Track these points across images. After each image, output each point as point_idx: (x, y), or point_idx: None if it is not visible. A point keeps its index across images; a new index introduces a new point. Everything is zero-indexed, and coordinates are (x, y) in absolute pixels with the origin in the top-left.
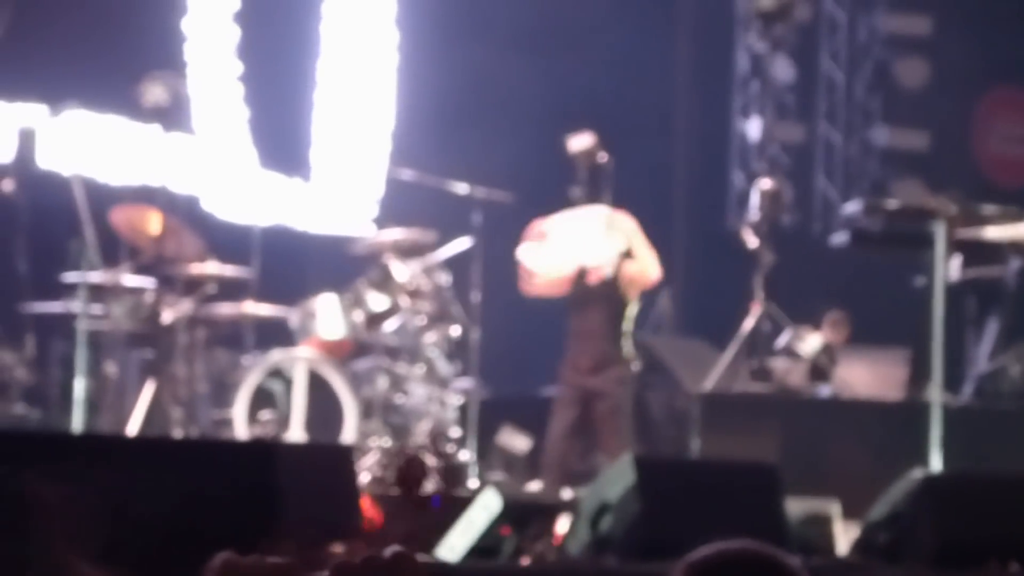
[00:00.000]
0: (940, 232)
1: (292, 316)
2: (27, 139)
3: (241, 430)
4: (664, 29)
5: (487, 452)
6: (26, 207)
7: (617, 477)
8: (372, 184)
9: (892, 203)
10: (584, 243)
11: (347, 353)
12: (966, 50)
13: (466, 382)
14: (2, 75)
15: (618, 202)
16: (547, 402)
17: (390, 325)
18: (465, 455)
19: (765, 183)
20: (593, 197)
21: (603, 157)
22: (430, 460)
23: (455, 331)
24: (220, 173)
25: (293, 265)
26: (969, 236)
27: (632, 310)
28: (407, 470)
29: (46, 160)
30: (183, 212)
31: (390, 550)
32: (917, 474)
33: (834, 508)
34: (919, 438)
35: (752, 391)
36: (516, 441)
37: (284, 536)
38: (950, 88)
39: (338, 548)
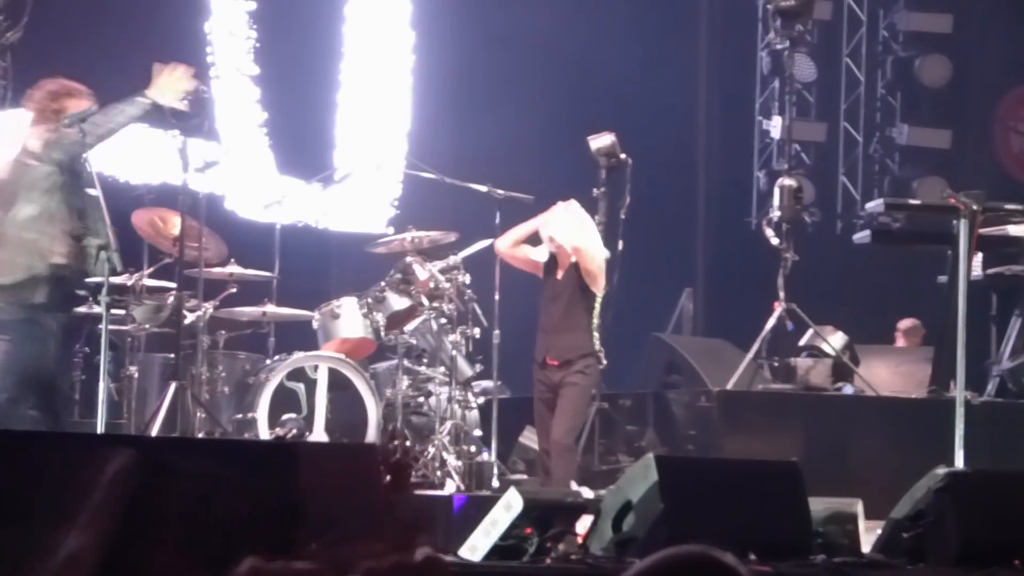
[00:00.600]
0: (962, 230)
1: (314, 318)
2: None
3: (263, 431)
4: (686, 29)
5: (509, 452)
6: None
7: (639, 476)
8: (391, 185)
9: (914, 201)
10: (550, 218)
11: (369, 354)
12: (987, 48)
13: (487, 382)
14: (23, 82)
15: (640, 201)
16: None
17: (411, 326)
18: (487, 455)
19: (787, 181)
20: (614, 196)
21: (623, 156)
22: (451, 460)
23: (476, 332)
24: (241, 175)
25: (314, 267)
26: (991, 233)
27: (599, 305)
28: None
29: None
30: (204, 214)
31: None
32: (941, 472)
33: (857, 506)
34: (942, 436)
35: (774, 390)
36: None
37: (307, 537)
38: (971, 86)
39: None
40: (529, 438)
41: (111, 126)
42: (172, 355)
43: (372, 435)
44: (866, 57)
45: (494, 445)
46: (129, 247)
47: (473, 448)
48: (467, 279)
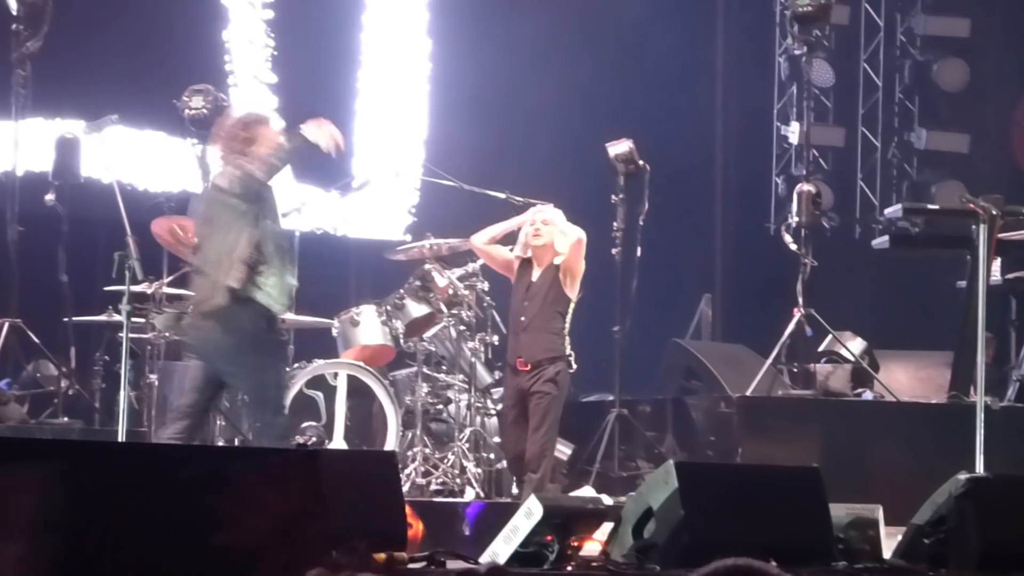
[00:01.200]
0: (981, 234)
1: (333, 325)
2: (68, 148)
3: None
4: (704, 34)
5: None
6: (67, 219)
7: (660, 483)
8: (409, 192)
9: (932, 206)
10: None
11: (388, 361)
12: (1005, 51)
13: None
14: (42, 90)
15: (658, 207)
16: (587, 408)
17: (430, 333)
18: (505, 463)
19: (805, 187)
20: (632, 203)
21: (642, 163)
22: (471, 467)
23: (495, 338)
24: None
25: (334, 274)
26: (1010, 238)
27: (571, 309)
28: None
29: (87, 169)
30: None
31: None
32: (962, 477)
33: (878, 512)
34: (962, 441)
35: (794, 395)
36: (558, 448)
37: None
38: (989, 90)
39: (382, 556)
40: None
41: (280, 160)
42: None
43: (392, 443)
44: (884, 62)
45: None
46: (149, 255)
47: (492, 455)
48: (486, 286)
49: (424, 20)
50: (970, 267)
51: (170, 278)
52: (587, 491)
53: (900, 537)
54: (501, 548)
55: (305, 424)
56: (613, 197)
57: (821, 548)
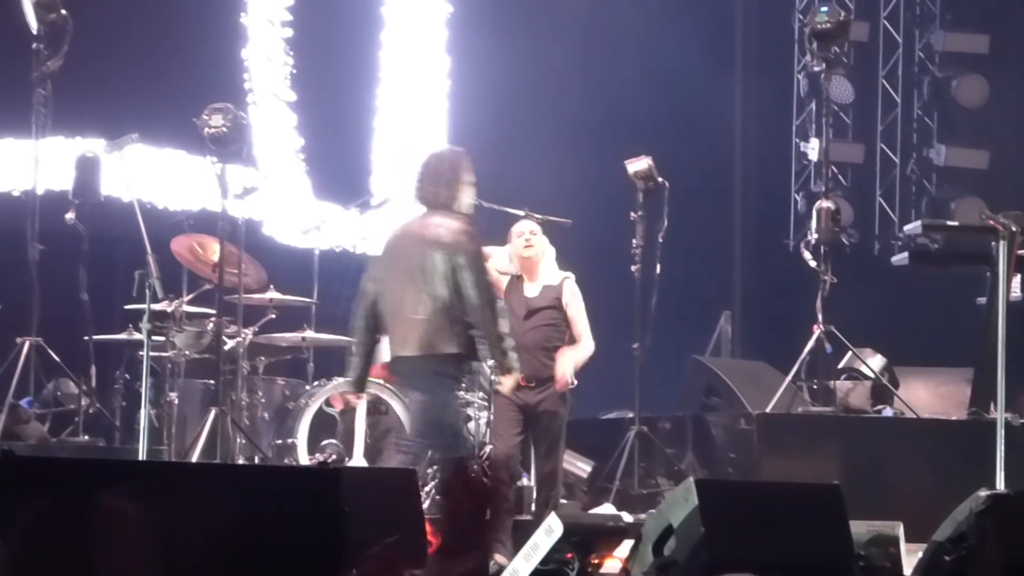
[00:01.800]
0: (1001, 250)
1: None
2: (88, 167)
3: (303, 457)
4: (723, 51)
5: None
6: (88, 237)
7: (680, 500)
8: None
9: (952, 222)
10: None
11: None
12: None
13: None
14: (62, 109)
15: (677, 224)
16: (607, 426)
17: None
18: (526, 480)
19: (824, 203)
20: (651, 220)
21: (661, 180)
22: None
23: None
24: (279, 200)
25: (353, 292)
26: None
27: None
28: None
29: (107, 188)
30: (243, 240)
31: None
32: (983, 494)
33: (898, 529)
34: (983, 458)
35: (814, 412)
36: (577, 465)
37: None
38: (1009, 106)
39: (406, 573)
40: (570, 463)
41: None
42: (212, 381)
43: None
44: (903, 78)
45: (533, 470)
46: (169, 274)
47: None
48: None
49: (443, 38)
50: (990, 284)
51: (190, 296)
52: (607, 508)
53: (920, 554)
54: (521, 566)
55: (325, 442)
56: (632, 214)
57: (842, 565)
